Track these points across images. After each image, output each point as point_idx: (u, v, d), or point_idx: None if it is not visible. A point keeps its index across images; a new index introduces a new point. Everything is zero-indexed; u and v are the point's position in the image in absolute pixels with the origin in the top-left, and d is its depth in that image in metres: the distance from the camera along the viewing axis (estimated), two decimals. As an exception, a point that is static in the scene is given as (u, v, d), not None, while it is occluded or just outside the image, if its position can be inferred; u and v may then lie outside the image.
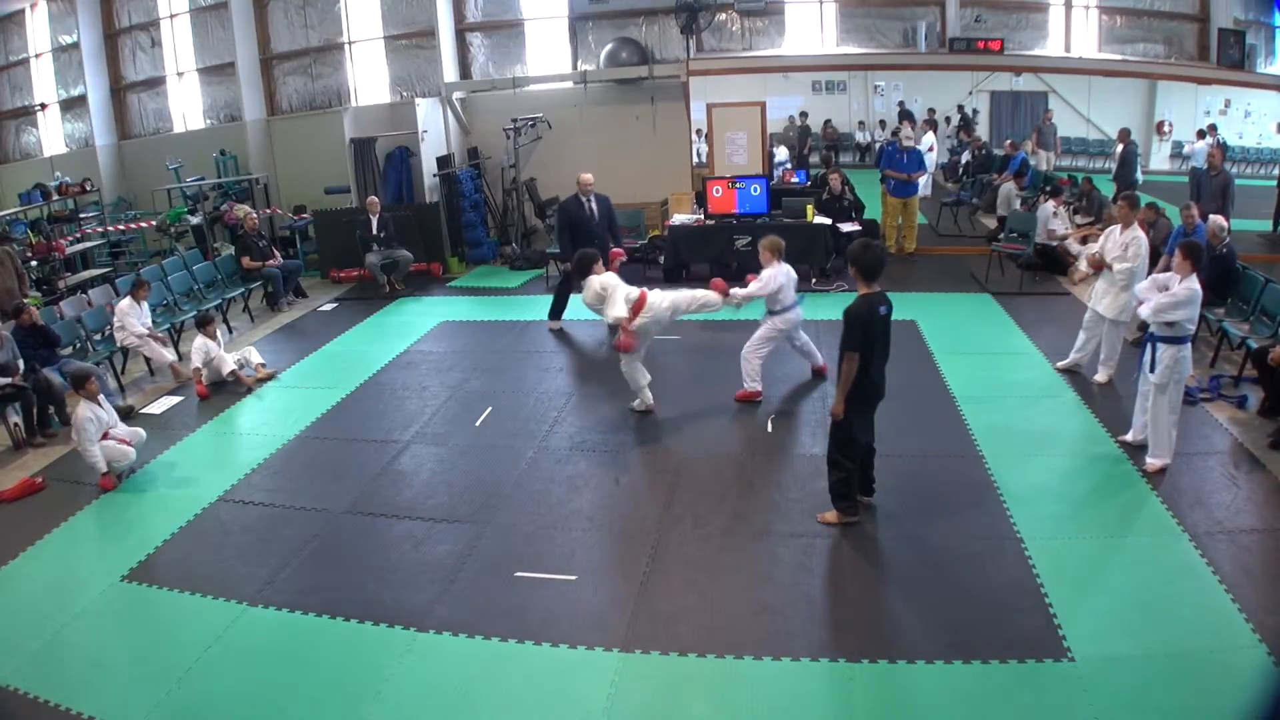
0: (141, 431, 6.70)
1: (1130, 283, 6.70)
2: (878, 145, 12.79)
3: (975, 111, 13.00)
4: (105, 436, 6.29)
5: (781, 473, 5.90)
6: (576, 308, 9.35)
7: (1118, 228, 6.86)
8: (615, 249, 8.40)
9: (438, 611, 4.60)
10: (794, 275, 7.11)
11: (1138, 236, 6.73)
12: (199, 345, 8.22)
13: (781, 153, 13.17)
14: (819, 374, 7.44)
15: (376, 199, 11.56)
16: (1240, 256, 7.86)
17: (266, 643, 4.48)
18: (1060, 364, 7.37)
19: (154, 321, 9.09)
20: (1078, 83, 12.21)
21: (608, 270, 7.00)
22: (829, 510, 5.21)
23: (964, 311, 9.23)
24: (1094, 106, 12.25)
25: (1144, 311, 5.74)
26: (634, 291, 6.61)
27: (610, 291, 6.59)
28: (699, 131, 12.53)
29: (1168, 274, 5.72)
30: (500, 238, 13.11)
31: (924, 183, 12.08)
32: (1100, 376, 7.06)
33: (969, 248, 11.43)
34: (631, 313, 6.49)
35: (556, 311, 9.27)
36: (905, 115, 13.15)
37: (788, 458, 6.12)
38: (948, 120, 13.18)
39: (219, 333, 8.60)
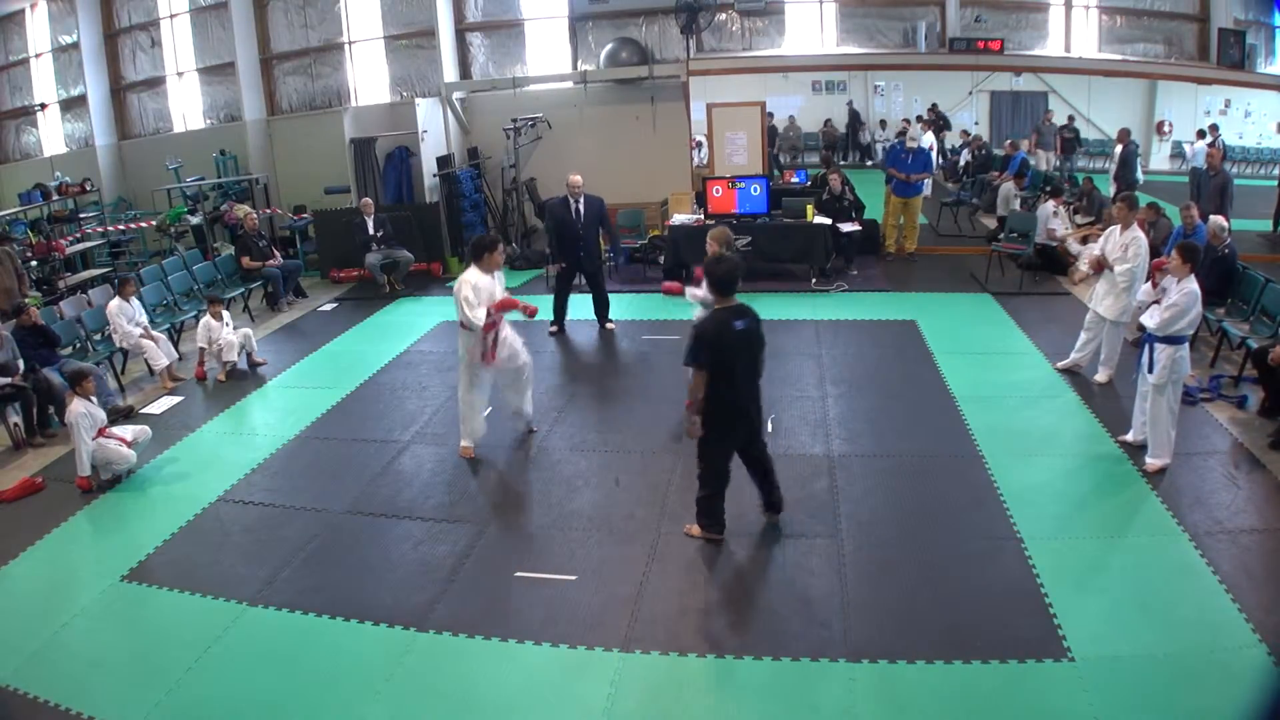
0: (147, 429, 6.68)
1: (1131, 284, 6.70)
2: (878, 145, 12.80)
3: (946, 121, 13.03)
4: (103, 434, 6.29)
5: (781, 473, 5.87)
6: (577, 308, 9.36)
7: (1117, 228, 6.86)
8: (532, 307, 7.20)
9: (438, 611, 4.60)
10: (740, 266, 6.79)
11: (1137, 237, 6.73)
12: (203, 324, 8.43)
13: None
14: None
15: (370, 200, 11.56)
16: (1240, 256, 7.86)
17: (266, 643, 4.48)
18: (1060, 364, 7.36)
19: (153, 321, 9.11)
20: (1078, 83, 12.21)
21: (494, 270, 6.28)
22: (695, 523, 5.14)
23: (964, 311, 9.23)
24: (1094, 106, 12.26)
25: (1149, 322, 5.76)
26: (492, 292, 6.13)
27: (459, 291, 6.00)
28: (698, 143, 12.54)
29: (1165, 280, 5.69)
30: (500, 238, 13.08)
31: (927, 184, 12.06)
32: (1100, 376, 7.06)
33: (969, 248, 11.42)
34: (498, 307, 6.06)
35: (558, 316, 9.23)
36: (854, 115, 13.16)
37: (788, 458, 6.11)
38: (919, 119, 13.19)
39: (225, 314, 8.67)
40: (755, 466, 5.14)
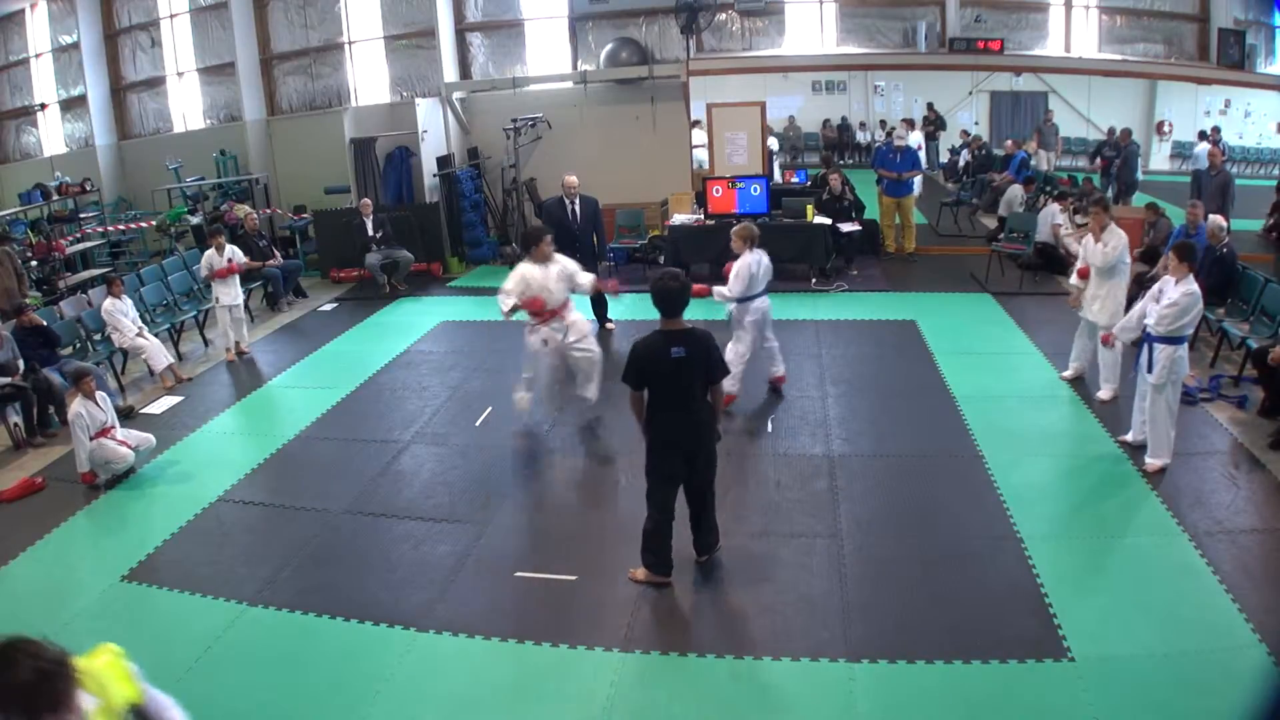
0: (151, 438, 6.65)
1: (1110, 273, 6.55)
2: (876, 146, 12.79)
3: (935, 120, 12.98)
4: (105, 434, 6.28)
5: (781, 473, 5.90)
6: (581, 307, 9.34)
7: (1090, 238, 6.70)
8: (612, 280, 7.92)
9: (438, 611, 4.59)
10: (767, 263, 6.82)
11: (1115, 231, 6.57)
12: (206, 257, 9.06)
13: (771, 143, 13.02)
14: (775, 386, 7.21)
15: (369, 200, 11.56)
16: (1240, 256, 7.86)
17: (266, 643, 4.48)
18: (1065, 374, 7.18)
19: (153, 321, 9.12)
20: (1078, 83, 12.20)
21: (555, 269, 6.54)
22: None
23: (964, 311, 9.23)
24: (1094, 106, 12.25)
25: (1125, 335, 5.78)
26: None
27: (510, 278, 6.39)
28: (697, 125, 12.52)
29: (1162, 281, 5.65)
30: (500, 238, 13.11)
31: (917, 182, 12.04)
32: (1104, 394, 6.75)
33: (969, 248, 11.42)
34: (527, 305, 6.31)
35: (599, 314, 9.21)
36: (842, 128, 13.14)
37: (788, 458, 6.12)
38: (924, 120, 13.16)
39: (228, 249, 9.09)
40: (691, 502, 4.72)
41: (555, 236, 8.83)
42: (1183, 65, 11.68)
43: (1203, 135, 11.35)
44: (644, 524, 4.66)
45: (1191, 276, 5.43)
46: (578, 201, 8.94)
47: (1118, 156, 11.82)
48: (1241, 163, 11.31)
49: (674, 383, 4.44)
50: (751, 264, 6.68)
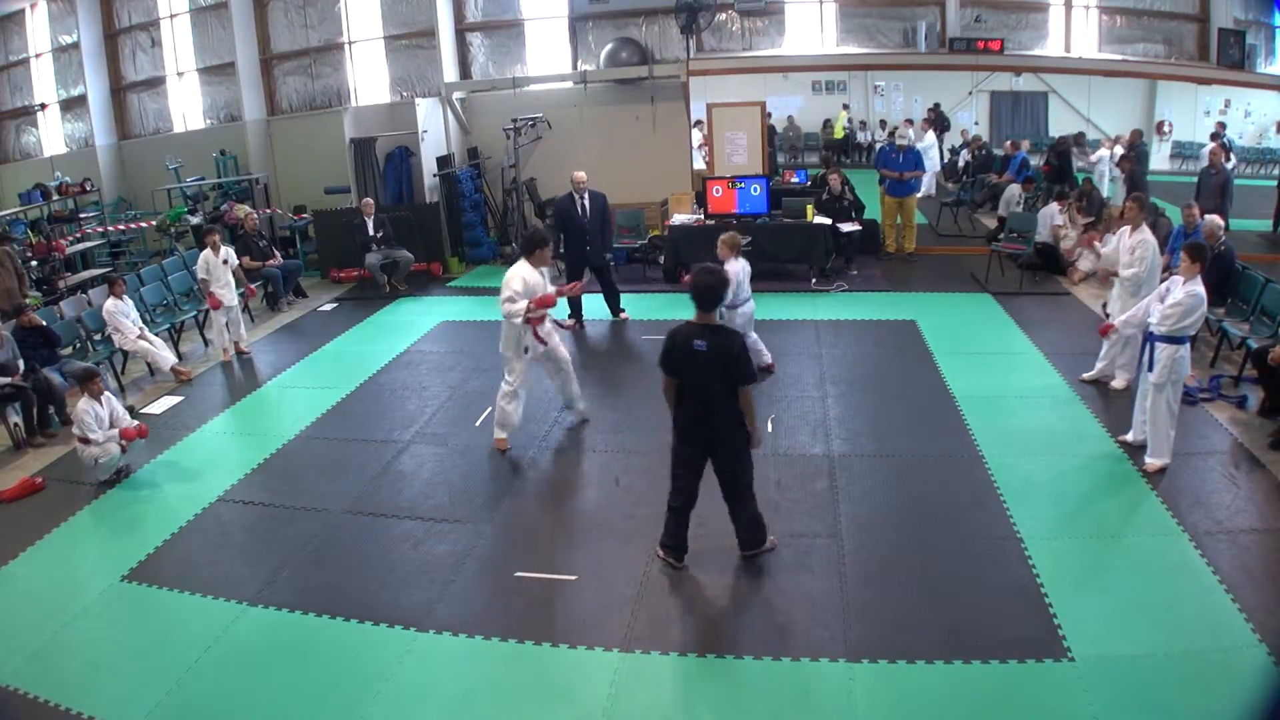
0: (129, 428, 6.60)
1: (1137, 287, 6.60)
2: (879, 145, 12.79)
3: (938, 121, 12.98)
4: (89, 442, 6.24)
5: (781, 473, 5.90)
6: (595, 302, 9.37)
7: (1127, 229, 6.78)
8: (575, 283, 7.86)
9: (438, 611, 4.60)
10: (749, 269, 7.27)
11: (1145, 239, 6.61)
12: (202, 258, 8.96)
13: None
14: (768, 370, 7.48)
15: (371, 200, 11.57)
16: (1240, 256, 7.85)
17: (266, 643, 4.48)
18: (1085, 375, 7.13)
19: (153, 321, 9.13)
20: (1078, 83, 12.20)
21: (542, 268, 6.33)
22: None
23: (964, 311, 9.23)
24: (1094, 106, 12.24)
25: (1127, 331, 5.78)
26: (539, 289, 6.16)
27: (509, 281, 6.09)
28: (699, 136, 12.54)
29: (1170, 280, 5.67)
30: (500, 238, 13.10)
31: (926, 182, 12.02)
32: (1118, 383, 6.87)
33: (969, 248, 11.43)
34: (537, 303, 6.08)
35: (575, 311, 9.22)
36: (850, 130, 13.16)
37: (788, 458, 6.12)
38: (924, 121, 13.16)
39: (224, 249, 9.07)
40: (724, 498, 4.76)
41: (567, 232, 8.95)
42: (1183, 65, 11.68)
43: (1214, 136, 11.32)
44: (668, 503, 4.80)
45: (1199, 277, 5.44)
46: (586, 197, 9.04)
47: (1059, 162, 11.82)
48: (1241, 162, 11.31)
49: (692, 375, 4.54)
50: (737, 271, 6.94)
